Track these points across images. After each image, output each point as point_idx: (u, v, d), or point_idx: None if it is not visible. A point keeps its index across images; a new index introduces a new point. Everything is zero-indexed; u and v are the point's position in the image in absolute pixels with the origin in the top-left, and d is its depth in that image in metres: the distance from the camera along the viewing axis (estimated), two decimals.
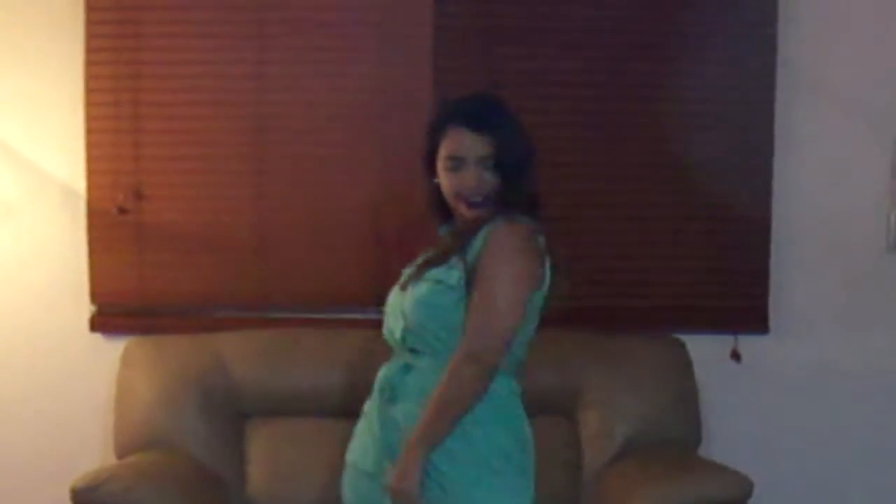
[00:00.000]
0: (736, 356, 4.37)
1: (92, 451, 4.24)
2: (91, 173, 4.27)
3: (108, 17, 4.23)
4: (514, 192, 3.00)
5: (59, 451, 4.26)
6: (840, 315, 4.41)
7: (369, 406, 3.15)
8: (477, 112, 3.04)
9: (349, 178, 4.28)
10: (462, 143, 3.00)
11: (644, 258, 4.37)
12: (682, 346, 4.23)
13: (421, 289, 3.01)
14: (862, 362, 4.40)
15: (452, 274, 2.97)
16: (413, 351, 3.04)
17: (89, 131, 4.26)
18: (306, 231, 4.29)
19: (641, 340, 4.24)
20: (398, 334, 3.06)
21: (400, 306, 3.06)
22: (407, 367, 3.04)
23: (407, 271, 3.13)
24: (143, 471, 3.78)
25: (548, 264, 3.02)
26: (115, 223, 4.26)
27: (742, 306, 4.40)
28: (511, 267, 2.93)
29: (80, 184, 4.28)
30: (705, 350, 4.28)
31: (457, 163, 3.00)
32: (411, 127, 4.16)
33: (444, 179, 3.03)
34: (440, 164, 3.04)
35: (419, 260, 3.13)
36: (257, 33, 4.27)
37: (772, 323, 4.38)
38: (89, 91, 4.25)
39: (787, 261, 4.37)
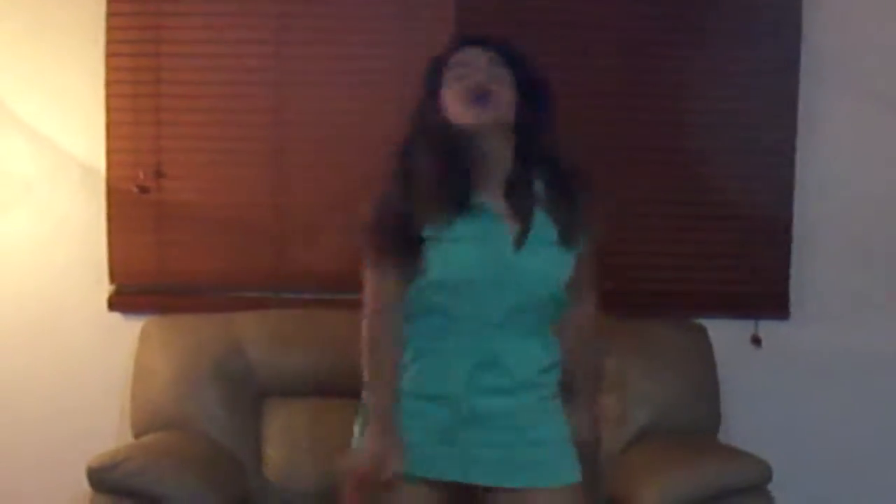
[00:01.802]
0: (756, 341, 4.35)
1: (109, 431, 4.25)
2: (111, 152, 4.27)
3: None
4: (536, 117, 2.89)
5: (76, 430, 4.26)
6: (860, 300, 4.38)
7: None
8: (485, 35, 2.97)
9: (367, 159, 4.26)
10: (468, 54, 2.89)
11: (664, 243, 4.36)
12: (703, 330, 4.22)
13: (555, 256, 2.91)
14: (882, 348, 4.37)
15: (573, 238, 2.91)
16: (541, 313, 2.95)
17: (110, 110, 4.26)
18: (324, 212, 4.28)
19: (661, 325, 4.23)
20: (536, 297, 2.91)
21: (534, 267, 2.88)
22: (495, 362, 2.90)
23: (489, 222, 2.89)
24: (159, 450, 3.79)
25: None
26: (135, 202, 4.26)
27: (763, 291, 4.39)
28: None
29: (100, 163, 4.28)
30: (725, 335, 4.26)
31: (462, 70, 2.86)
32: None
33: (449, 95, 2.86)
34: (445, 87, 2.88)
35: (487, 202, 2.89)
36: (277, 13, 4.27)
37: (792, 308, 4.36)
38: (110, 70, 4.25)
39: (808, 246, 4.35)
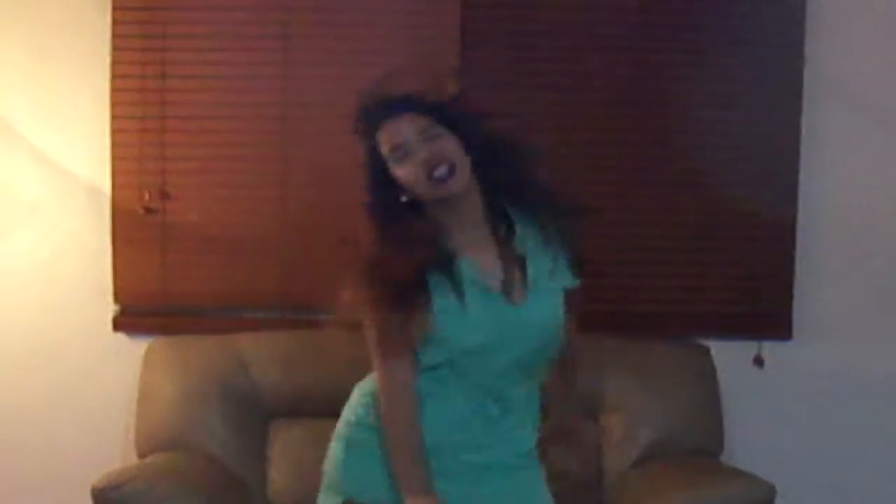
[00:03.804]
0: (759, 362, 4.36)
1: (114, 451, 4.25)
2: (116, 173, 4.28)
3: (134, 17, 4.24)
4: (492, 157, 2.81)
5: (80, 450, 4.27)
6: (864, 321, 4.39)
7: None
8: (398, 100, 2.82)
9: None
10: (394, 131, 2.77)
11: (667, 264, 4.36)
12: (706, 351, 4.23)
13: (556, 300, 2.88)
14: (885, 369, 4.38)
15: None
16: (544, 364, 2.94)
17: (115, 131, 4.27)
18: (329, 232, 4.28)
19: (665, 346, 4.23)
20: (544, 352, 2.90)
21: (544, 321, 2.86)
22: (506, 409, 2.87)
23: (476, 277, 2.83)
24: (164, 471, 3.79)
25: None
26: (140, 223, 4.27)
27: (765, 312, 4.39)
28: None
29: (105, 184, 4.29)
30: (728, 356, 4.27)
31: (399, 153, 2.77)
32: None
33: (402, 176, 2.77)
34: (393, 169, 2.78)
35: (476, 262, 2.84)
36: (282, 34, 4.28)
37: (795, 329, 4.37)
38: (115, 91, 4.26)
39: (811, 267, 4.36)
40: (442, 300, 2.78)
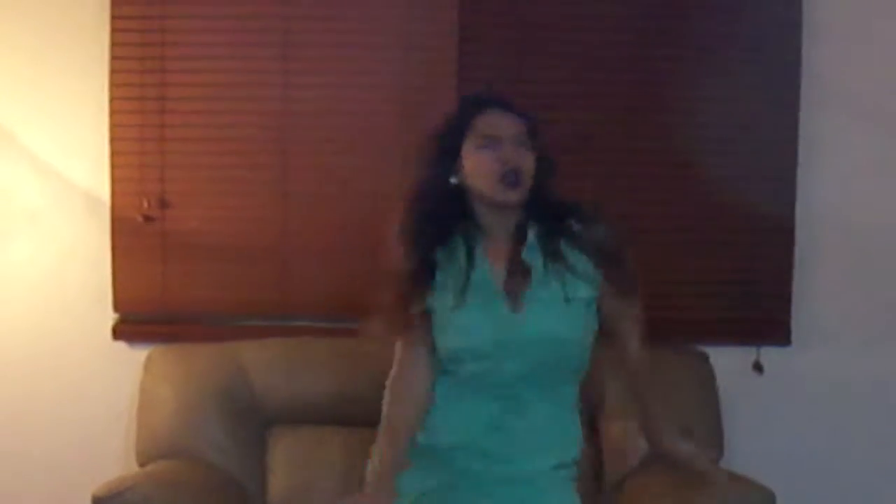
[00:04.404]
0: (758, 368, 4.36)
1: (114, 459, 4.25)
2: (116, 181, 4.28)
3: (133, 26, 4.25)
4: (546, 182, 2.91)
5: (80, 458, 4.27)
6: (863, 327, 4.39)
7: None
8: (506, 99, 2.97)
9: (372, 188, 4.29)
10: (497, 120, 2.89)
11: (666, 270, 4.34)
12: (705, 357, 4.23)
13: (563, 312, 2.88)
14: (884, 375, 4.39)
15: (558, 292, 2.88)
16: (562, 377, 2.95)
17: (114, 139, 4.27)
18: (329, 240, 4.29)
19: (663, 352, 4.20)
20: (557, 363, 2.92)
21: (551, 332, 2.88)
22: (521, 413, 2.90)
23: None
24: (164, 479, 3.79)
25: None
26: (140, 231, 4.27)
27: (764, 318, 4.40)
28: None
29: (104, 192, 4.29)
30: (727, 362, 4.27)
31: (489, 140, 2.87)
32: None
33: (476, 162, 2.87)
34: (469, 150, 2.89)
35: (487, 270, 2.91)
36: (281, 42, 4.28)
37: (794, 335, 4.37)
38: (114, 99, 4.26)
39: (809, 272, 4.36)
40: (441, 296, 2.87)
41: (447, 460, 2.91)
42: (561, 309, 2.86)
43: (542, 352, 2.86)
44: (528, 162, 2.87)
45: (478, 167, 2.87)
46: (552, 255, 2.88)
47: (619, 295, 2.94)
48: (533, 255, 2.88)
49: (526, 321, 2.85)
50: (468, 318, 2.85)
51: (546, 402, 2.90)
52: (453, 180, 2.92)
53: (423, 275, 2.90)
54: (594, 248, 2.90)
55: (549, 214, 2.91)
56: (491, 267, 2.89)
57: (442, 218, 2.93)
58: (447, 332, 2.88)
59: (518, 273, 2.88)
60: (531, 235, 2.90)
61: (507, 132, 2.87)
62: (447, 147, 2.93)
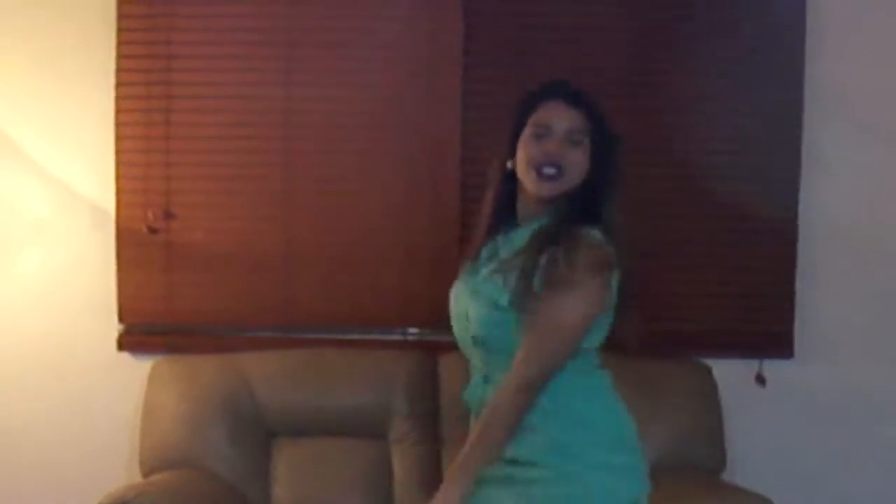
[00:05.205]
0: (761, 380, 4.36)
1: (118, 470, 4.26)
2: (121, 193, 4.30)
3: (139, 38, 4.27)
4: (598, 182, 2.87)
5: (85, 468, 4.27)
6: (865, 339, 4.39)
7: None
8: (575, 90, 2.93)
9: (376, 198, 4.30)
10: (554, 112, 2.88)
11: (669, 282, 4.35)
12: (707, 370, 4.23)
13: (480, 306, 2.87)
14: (887, 387, 4.38)
15: (503, 295, 2.81)
16: (487, 354, 2.90)
17: (119, 151, 4.29)
18: (333, 252, 4.30)
19: (666, 365, 4.23)
20: (469, 338, 2.92)
21: (465, 308, 2.92)
22: (486, 380, 2.90)
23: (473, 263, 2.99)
24: (168, 489, 3.80)
25: (615, 287, 2.86)
26: (144, 242, 4.29)
27: (767, 331, 4.39)
28: (577, 291, 2.76)
29: (109, 203, 4.31)
30: (730, 374, 4.27)
31: (543, 130, 2.86)
32: (440, 148, 4.20)
33: (523, 150, 2.88)
34: (523, 137, 2.89)
35: (483, 252, 2.98)
36: (285, 55, 4.30)
37: (797, 347, 4.37)
38: (119, 111, 4.28)
39: (812, 285, 4.36)
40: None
41: None
42: (475, 296, 2.90)
43: (461, 326, 2.96)
44: (574, 159, 2.85)
45: (522, 154, 2.88)
46: (505, 257, 2.89)
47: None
48: (509, 245, 2.91)
49: (457, 296, 2.98)
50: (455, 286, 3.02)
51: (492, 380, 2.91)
52: (509, 165, 2.93)
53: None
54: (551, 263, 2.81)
55: (568, 212, 2.88)
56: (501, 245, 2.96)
57: (498, 200, 2.98)
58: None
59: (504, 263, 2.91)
60: (531, 226, 2.90)
61: (560, 125, 2.86)
62: (511, 131, 2.93)
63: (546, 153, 2.84)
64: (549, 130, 2.86)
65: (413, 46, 4.32)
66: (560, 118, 2.87)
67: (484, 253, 2.97)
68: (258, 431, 4.07)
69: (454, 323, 3.00)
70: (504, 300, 2.81)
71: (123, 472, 4.25)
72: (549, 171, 2.83)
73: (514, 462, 2.83)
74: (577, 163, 2.86)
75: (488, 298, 2.85)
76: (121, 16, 4.26)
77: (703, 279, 4.39)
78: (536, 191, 2.87)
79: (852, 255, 4.38)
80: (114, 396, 4.31)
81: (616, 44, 4.33)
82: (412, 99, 4.31)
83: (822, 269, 4.37)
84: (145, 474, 4.02)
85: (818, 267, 4.37)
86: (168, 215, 4.30)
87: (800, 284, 4.36)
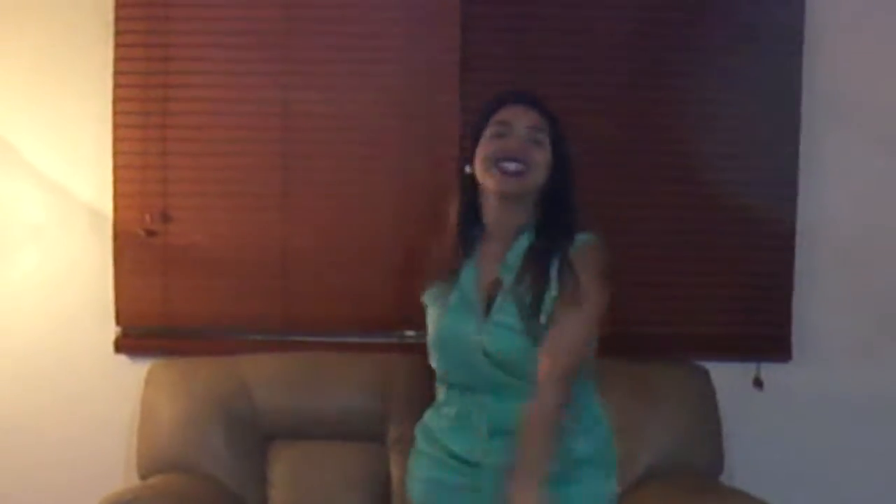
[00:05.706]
0: (758, 384, 4.36)
1: (115, 473, 4.26)
2: (118, 196, 4.29)
3: (137, 40, 4.27)
4: (565, 186, 2.92)
5: (82, 471, 4.28)
6: (863, 343, 4.38)
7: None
8: (534, 96, 2.98)
9: (374, 202, 4.30)
10: (514, 111, 2.91)
11: (666, 285, 4.36)
12: (705, 373, 4.23)
13: (503, 336, 2.87)
14: (885, 391, 4.38)
15: (522, 322, 2.85)
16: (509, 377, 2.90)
17: (117, 154, 4.29)
18: (331, 255, 4.30)
19: (664, 368, 4.23)
20: (483, 362, 2.91)
21: (471, 335, 2.92)
22: (499, 398, 2.91)
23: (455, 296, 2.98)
24: (165, 492, 3.79)
25: None
26: (142, 245, 4.28)
27: (764, 334, 4.39)
28: (600, 291, 2.88)
29: (107, 206, 4.30)
30: (727, 377, 4.27)
31: (503, 129, 2.89)
32: (438, 154, 4.20)
33: (482, 149, 2.90)
34: (483, 138, 2.91)
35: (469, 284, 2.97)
36: (283, 58, 4.30)
37: (794, 351, 4.37)
38: (117, 114, 4.28)
39: (810, 288, 4.36)
40: (432, 289, 3.01)
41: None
42: (508, 329, 2.89)
43: (491, 364, 2.91)
44: (536, 156, 2.88)
45: (481, 153, 2.90)
46: (519, 276, 2.88)
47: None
48: (508, 270, 2.90)
49: (485, 336, 2.90)
50: (439, 323, 3.00)
51: (508, 407, 2.91)
52: (467, 170, 2.95)
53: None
54: (565, 272, 2.87)
55: (549, 222, 2.91)
56: (479, 273, 2.94)
57: (463, 213, 2.99)
58: (431, 326, 3.02)
59: (493, 282, 2.92)
60: (520, 243, 2.91)
61: (519, 122, 2.89)
62: (471, 137, 2.96)
63: (506, 149, 2.86)
64: (509, 128, 2.89)
65: (411, 51, 4.31)
66: (520, 116, 2.90)
67: (463, 276, 2.96)
68: (255, 435, 4.06)
69: (446, 349, 3.00)
70: (523, 326, 2.85)
71: (120, 474, 4.25)
72: (511, 166, 2.85)
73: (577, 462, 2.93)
74: (541, 163, 2.89)
75: (507, 326, 2.88)
76: (118, 18, 4.25)
77: (700, 282, 4.38)
78: (498, 186, 2.87)
79: (850, 258, 4.38)
80: (111, 399, 4.31)
81: (614, 48, 4.33)
82: (410, 102, 4.31)
83: (820, 273, 4.37)
84: (142, 477, 4.02)
85: (816, 270, 4.37)
86: (165, 218, 4.29)
87: (797, 288, 4.36)
